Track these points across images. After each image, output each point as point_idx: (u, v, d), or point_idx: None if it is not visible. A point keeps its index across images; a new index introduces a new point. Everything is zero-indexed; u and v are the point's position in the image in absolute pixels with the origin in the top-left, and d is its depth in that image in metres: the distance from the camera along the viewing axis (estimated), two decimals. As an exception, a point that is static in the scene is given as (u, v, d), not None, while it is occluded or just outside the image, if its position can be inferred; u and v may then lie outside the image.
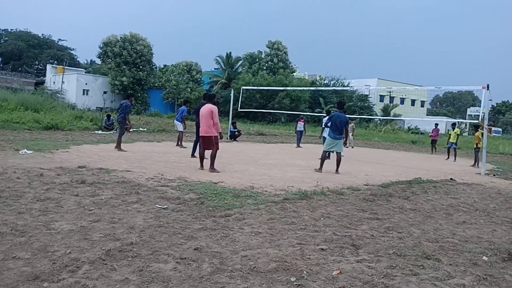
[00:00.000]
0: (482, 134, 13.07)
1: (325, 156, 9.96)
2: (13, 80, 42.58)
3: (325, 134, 12.06)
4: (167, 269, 3.27)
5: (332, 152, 10.02)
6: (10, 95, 22.87)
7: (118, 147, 11.47)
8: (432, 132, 21.43)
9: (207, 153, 8.91)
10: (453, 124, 18.89)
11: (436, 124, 21.70)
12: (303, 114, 21.73)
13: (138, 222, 4.49)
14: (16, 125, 16.80)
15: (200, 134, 8.99)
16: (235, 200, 5.93)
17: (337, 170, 9.77)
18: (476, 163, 14.73)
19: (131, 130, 15.67)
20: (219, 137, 8.81)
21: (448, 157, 17.13)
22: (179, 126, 14.17)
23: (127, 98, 12.42)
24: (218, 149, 8.79)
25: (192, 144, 11.42)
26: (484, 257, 4.07)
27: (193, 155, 10.88)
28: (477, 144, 14.82)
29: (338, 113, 9.93)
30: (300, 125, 18.66)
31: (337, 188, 7.46)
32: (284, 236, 4.37)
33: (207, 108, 8.76)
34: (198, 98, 36.69)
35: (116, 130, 19.65)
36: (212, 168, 8.67)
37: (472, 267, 3.80)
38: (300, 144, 18.44)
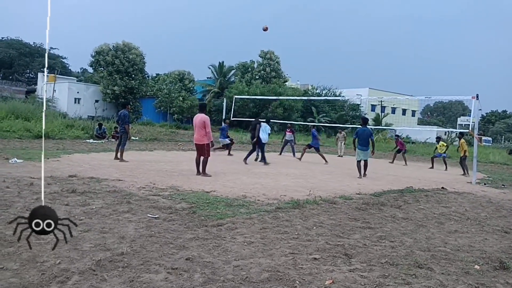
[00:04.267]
0: (469, 141, 13.10)
1: (359, 165, 11.37)
2: (3, 89, 42.26)
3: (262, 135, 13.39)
4: (158, 279, 3.23)
5: (364, 160, 11.38)
6: (0, 104, 22.65)
7: (121, 157, 11.27)
8: (396, 144, 19.81)
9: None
10: (438, 138, 18.75)
11: (397, 136, 21.47)
12: (290, 124, 21.27)
13: (129, 232, 4.44)
14: (6, 134, 16.58)
15: (194, 142, 9.73)
16: (228, 209, 5.90)
17: (365, 173, 11.42)
18: (466, 172, 14.78)
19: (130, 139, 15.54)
20: (210, 145, 9.54)
21: (432, 167, 17.18)
22: None
23: (124, 107, 12.28)
24: (209, 156, 9.53)
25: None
26: (476, 266, 4.09)
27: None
28: (464, 152, 14.81)
29: (363, 128, 11.53)
30: (289, 135, 18.63)
31: (330, 197, 7.47)
32: (276, 245, 4.35)
33: (199, 118, 9.47)
34: (190, 107, 37.05)
35: (108, 139, 19.57)
36: (204, 173, 9.38)
37: (464, 276, 3.81)
38: (296, 153, 18.35)
